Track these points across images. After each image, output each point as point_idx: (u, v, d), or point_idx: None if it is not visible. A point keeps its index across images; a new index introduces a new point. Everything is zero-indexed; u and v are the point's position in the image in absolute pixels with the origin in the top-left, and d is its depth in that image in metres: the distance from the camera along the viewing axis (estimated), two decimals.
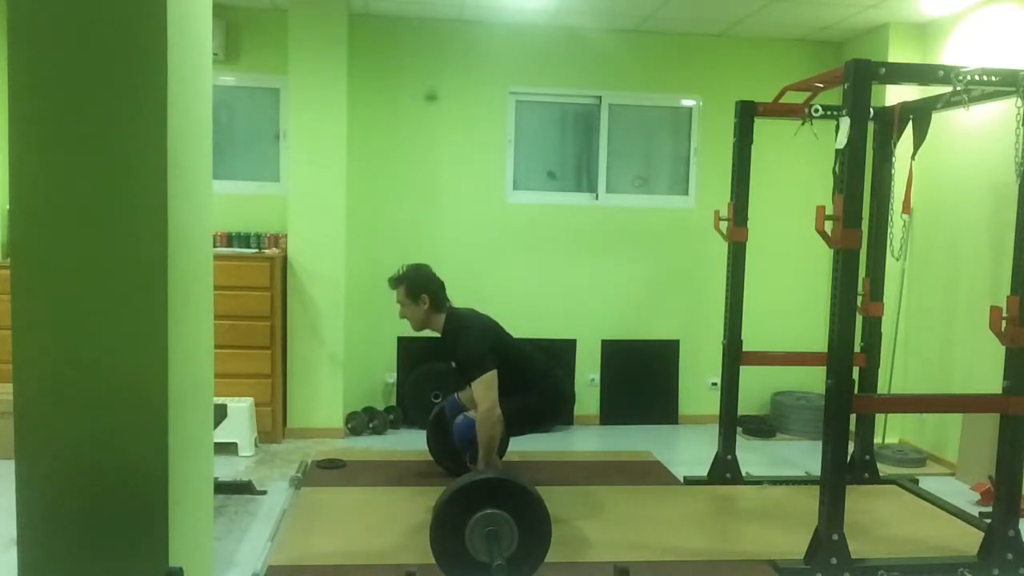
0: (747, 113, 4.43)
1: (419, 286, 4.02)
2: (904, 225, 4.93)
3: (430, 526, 3.15)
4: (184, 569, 2.26)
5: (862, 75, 3.27)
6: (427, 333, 5.79)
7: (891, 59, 5.18)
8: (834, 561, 3.36)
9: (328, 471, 4.59)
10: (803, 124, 4.43)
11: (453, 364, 4.10)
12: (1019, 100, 3.39)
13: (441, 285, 4.07)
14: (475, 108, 5.78)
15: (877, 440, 4.90)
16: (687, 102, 6.01)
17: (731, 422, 4.58)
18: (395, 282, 4.06)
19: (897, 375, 5.43)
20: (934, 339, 5.27)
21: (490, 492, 3.13)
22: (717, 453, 4.60)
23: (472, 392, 3.87)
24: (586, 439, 5.63)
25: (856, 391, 3.66)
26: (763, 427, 5.79)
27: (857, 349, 3.80)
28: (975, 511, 4.18)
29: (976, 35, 4.95)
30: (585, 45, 5.78)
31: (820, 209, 3.30)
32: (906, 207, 4.45)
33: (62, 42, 2.18)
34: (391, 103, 5.68)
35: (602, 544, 3.65)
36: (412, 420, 5.64)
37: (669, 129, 6.11)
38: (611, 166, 5.98)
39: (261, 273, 5.08)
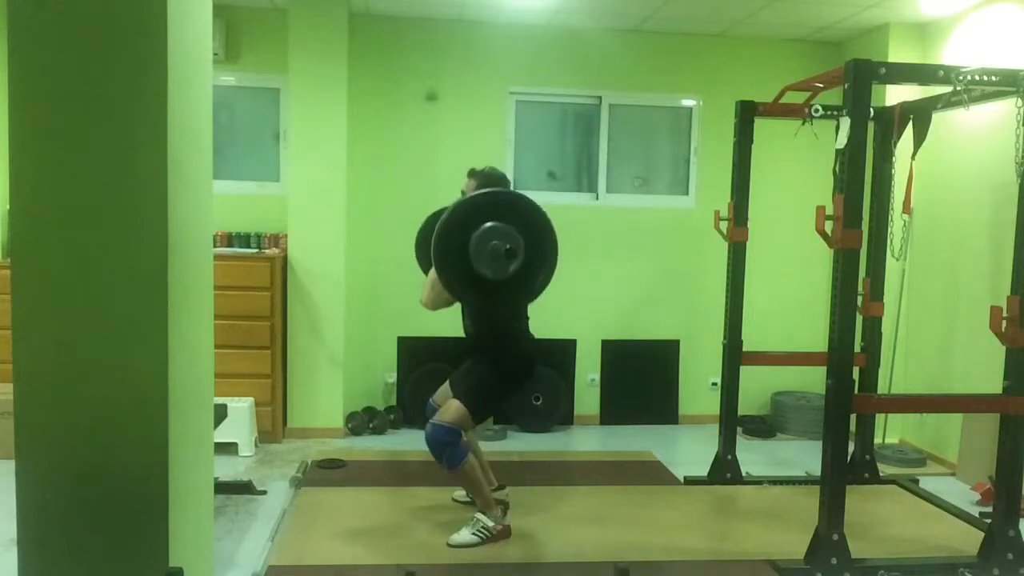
0: (747, 113, 4.43)
1: (488, 186, 3.94)
2: (904, 225, 4.93)
3: (433, 245, 3.24)
4: (184, 569, 2.26)
5: (862, 75, 3.26)
6: (426, 332, 5.80)
7: (891, 59, 5.18)
8: (834, 561, 3.36)
9: (328, 471, 4.58)
10: (803, 124, 4.43)
11: None
12: (1019, 100, 3.39)
13: None
14: (475, 108, 5.78)
15: (877, 440, 4.89)
16: (687, 102, 6.00)
17: (731, 422, 4.58)
18: (474, 173, 3.96)
19: (897, 375, 5.43)
20: (934, 339, 5.27)
21: (489, 209, 3.25)
22: (717, 453, 4.60)
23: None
24: (586, 439, 5.63)
25: (856, 391, 3.66)
26: (763, 427, 5.79)
27: (857, 349, 3.80)
28: (975, 511, 4.18)
29: (976, 35, 4.94)
30: (585, 45, 5.77)
31: (820, 209, 3.30)
32: (906, 207, 4.44)
33: (62, 42, 2.18)
34: (391, 103, 5.68)
35: (602, 544, 3.65)
36: (412, 420, 5.64)
37: (669, 129, 6.11)
38: (611, 166, 5.98)
39: (261, 273, 5.08)
